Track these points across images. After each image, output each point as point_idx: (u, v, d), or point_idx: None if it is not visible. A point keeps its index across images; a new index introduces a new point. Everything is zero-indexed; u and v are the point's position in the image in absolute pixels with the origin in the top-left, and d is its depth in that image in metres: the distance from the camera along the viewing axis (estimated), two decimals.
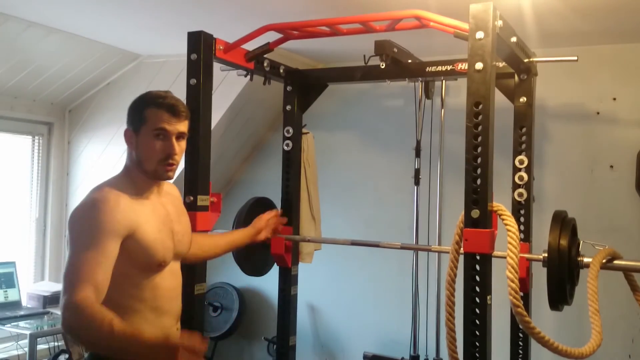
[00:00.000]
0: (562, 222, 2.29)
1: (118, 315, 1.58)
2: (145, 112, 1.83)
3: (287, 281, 3.20)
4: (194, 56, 2.54)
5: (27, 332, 3.45)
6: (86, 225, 1.66)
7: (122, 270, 1.72)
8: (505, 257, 2.02)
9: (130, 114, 1.89)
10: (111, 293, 1.66)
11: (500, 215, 2.08)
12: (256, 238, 2.75)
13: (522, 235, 2.75)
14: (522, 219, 2.78)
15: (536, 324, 2.04)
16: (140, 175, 1.88)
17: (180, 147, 1.87)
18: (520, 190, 2.77)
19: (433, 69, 2.96)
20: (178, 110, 1.85)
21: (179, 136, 1.87)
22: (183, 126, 1.87)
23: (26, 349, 3.50)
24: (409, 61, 3.03)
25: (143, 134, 1.83)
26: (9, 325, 3.53)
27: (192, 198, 2.52)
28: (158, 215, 1.86)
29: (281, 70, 3.13)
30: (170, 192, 2.03)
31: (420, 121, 3.57)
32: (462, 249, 2.05)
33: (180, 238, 1.93)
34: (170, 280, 1.87)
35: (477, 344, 1.98)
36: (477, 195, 1.99)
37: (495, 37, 2.02)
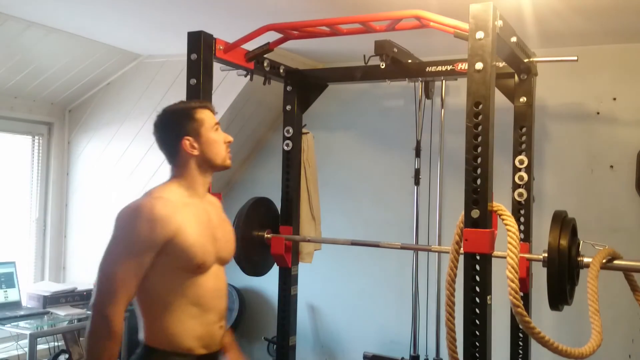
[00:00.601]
0: (562, 222, 2.29)
1: (165, 311, 1.84)
2: (197, 116, 1.97)
3: (287, 281, 3.21)
4: (194, 56, 2.55)
5: (27, 332, 3.45)
6: (131, 233, 1.81)
7: (168, 270, 1.84)
8: (505, 257, 2.02)
9: (180, 123, 1.98)
10: (159, 290, 1.85)
11: (500, 215, 2.08)
12: None
13: (522, 235, 2.76)
14: (522, 219, 2.78)
15: (536, 324, 2.04)
16: (199, 179, 1.99)
17: None
18: (520, 190, 2.77)
19: (433, 69, 2.96)
20: (212, 106, 2.05)
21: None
22: None
23: (26, 349, 3.50)
24: (409, 61, 3.03)
25: (204, 134, 1.96)
26: (9, 325, 3.53)
27: None
28: (201, 221, 1.93)
29: (281, 70, 3.13)
30: (213, 202, 2.12)
31: (420, 121, 3.57)
32: (462, 249, 2.05)
33: (222, 244, 2.00)
34: (214, 282, 1.93)
35: (477, 344, 1.98)
36: (477, 195, 1.99)
37: (495, 37, 2.02)
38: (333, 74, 3.46)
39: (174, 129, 1.99)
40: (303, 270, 3.34)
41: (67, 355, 3.88)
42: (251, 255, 3.06)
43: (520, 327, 2.25)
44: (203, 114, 1.98)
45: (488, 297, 2.00)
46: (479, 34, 1.99)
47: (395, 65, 2.93)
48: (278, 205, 3.23)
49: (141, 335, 1.95)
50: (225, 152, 2.01)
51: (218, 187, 4.27)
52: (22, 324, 3.56)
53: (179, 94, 3.82)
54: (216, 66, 2.66)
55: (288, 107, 3.25)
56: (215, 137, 1.98)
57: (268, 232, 3.13)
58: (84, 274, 4.32)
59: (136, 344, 2.01)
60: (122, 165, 4.19)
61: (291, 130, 3.21)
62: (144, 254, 1.80)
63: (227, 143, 2.02)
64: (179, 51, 3.56)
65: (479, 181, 1.99)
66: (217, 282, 1.96)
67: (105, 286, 1.78)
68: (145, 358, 1.93)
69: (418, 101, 3.55)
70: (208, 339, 1.90)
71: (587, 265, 2.24)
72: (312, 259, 3.56)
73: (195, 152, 1.97)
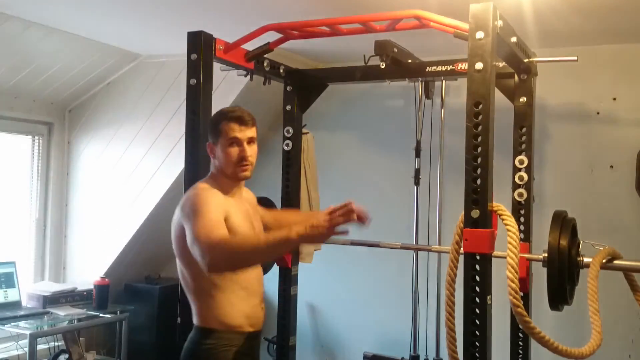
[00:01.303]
0: (562, 222, 2.29)
1: (219, 294, 2.06)
2: (220, 126, 2.17)
3: (287, 281, 3.20)
4: (194, 56, 2.54)
5: (27, 332, 3.45)
6: (198, 204, 1.99)
7: None
8: (505, 257, 2.02)
9: (209, 129, 2.25)
10: (214, 276, 2.05)
11: (500, 215, 2.08)
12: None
13: (522, 235, 2.75)
14: (522, 219, 2.78)
15: (536, 324, 2.04)
16: (224, 179, 2.20)
17: (252, 149, 2.20)
18: (520, 190, 2.77)
19: (433, 69, 2.96)
20: (244, 119, 2.18)
21: (250, 141, 2.19)
22: (251, 132, 2.20)
23: (26, 349, 3.50)
24: (409, 61, 3.03)
25: (221, 145, 2.17)
26: (9, 325, 3.53)
27: None
28: (241, 210, 2.18)
29: (281, 70, 3.13)
30: (248, 197, 2.37)
31: (420, 121, 3.57)
32: (462, 249, 2.05)
33: (258, 233, 2.23)
34: (256, 268, 2.19)
35: (477, 344, 1.98)
36: (477, 195, 1.99)
37: (495, 37, 2.02)
38: (333, 74, 3.46)
39: (209, 130, 2.25)
40: (303, 270, 3.34)
41: (67, 355, 3.88)
42: None
43: (520, 327, 2.25)
44: (226, 126, 2.16)
45: (488, 297, 2.00)
46: (479, 34, 1.99)
47: (395, 65, 2.92)
48: (278, 205, 3.23)
49: (195, 320, 2.13)
50: (236, 166, 2.17)
51: None
52: (22, 324, 3.57)
53: (179, 94, 3.86)
54: (216, 66, 2.66)
55: (288, 107, 3.25)
56: (228, 150, 2.16)
57: None
58: (84, 274, 4.32)
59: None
60: (122, 165, 4.19)
61: (291, 130, 3.21)
62: (216, 210, 2.00)
63: (242, 158, 2.16)
64: (179, 51, 3.55)
65: (479, 181, 1.99)
66: (258, 268, 2.21)
67: (204, 235, 1.88)
68: (203, 338, 2.10)
69: (418, 101, 3.55)
70: (254, 318, 2.16)
71: (587, 265, 2.24)
72: (312, 259, 3.56)
73: (214, 158, 2.23)
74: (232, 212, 2.08)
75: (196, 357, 2.10)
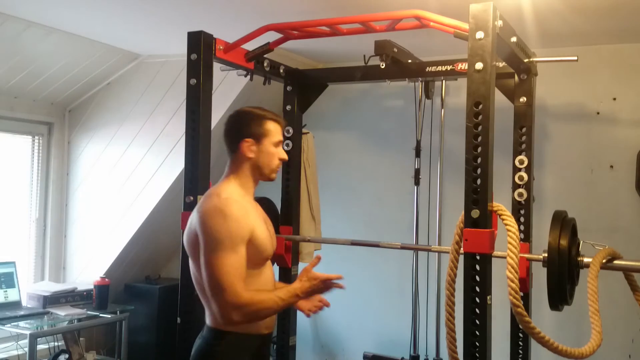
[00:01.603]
0: (562, 222, 2.29)
1: None
2: (267, 126, 2.13)
3: (287, 281, 3.20)
4: (194, 56, 2.55)
5: (27, 332, 3.45)
6: (223, 231, 1.91)
7: None
8: (505, 257, 2.02)
9: (248, 125, 2.13)
10: None
11: (500, 215, 2.07)
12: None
13: (522, 235, 2.75)
14: (522, 219, 2.78)
15: (536, 324, 2.03)
16: (250, 179, 2.14)
17: None
18: (520, 190, 2.77)
19: (433, 69, 2.95)
20: (285, 123, 2.27)
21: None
22: None
23: (26, 349, 3.50)
24: (409, 61, 3.03)
25: (265, 144, 2.12)
26: (9, 325, 3.53)
27: (192, 198, 2.53)
28: (258, 214, 2.16)
29: (281, 70, 3.13)
30: (256, 203, 2.31)
31: (420, 121, 3.57)
32: (462, 249, 2.04)
33: (274, 240, 2.21)
34: (269, 272, 2.19)
35: (477, 344, 1.98)
36: (477, 195, 1.99)
37: (495, 37, 2.02)
38: (333, 74, 3.45)
39: (241, 127, 2.14)
40: None
41: (67, 355, 3.88)
42: None
43: (520, 327, 2.25)
44: (272, 126, 2.14)
45: (488, 297, 1.99)
46: (479, 34, 1.99)
47: (395, 65, 2.92)
48: (278, 205, 3.23)
49: (209, 321, 2.08)
50: (276, 166, 2.17)
51: None
52: (22, 324, 3.57)
53: (179, 94, 3.86)
54: (216, 66, 2.66)
55: (288, 107, 3.25)
56: (273, 150, 2.14)
57: None
58: (84, 274, 4.32)
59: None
60: (122, 165, 4.19)
61: (291, 130, 3.21)
62: (240, 245, 1.94)
63: (281, 160, 2.18)
64: (179, 51, 3.57)
65: (479, 181, 1.99)
66: (271, 272, 2.22)
67: (226, 282, 1.88)
68: (218, 340, 2.06)
69: (418, 101, 3.55)
70: (269, 320, 2.14)
71: (587, 265, 2.24)
72: (312, 259, 3.55)
73: (251, 155, 2.11)
74: (255, 225, 2.03)
75: (212, 359, 2.07)
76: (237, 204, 2.00)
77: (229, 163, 2.16)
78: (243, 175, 2.13)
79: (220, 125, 3.81)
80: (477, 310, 1.98)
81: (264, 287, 2.11)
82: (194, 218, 2.00)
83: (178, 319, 2.57)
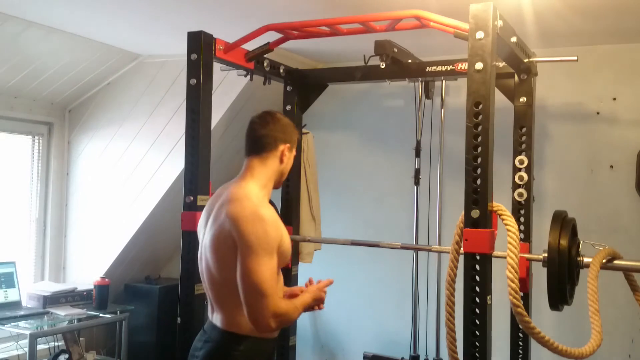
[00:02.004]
0: (562, 222, 2.29)
1: None
2: (296, 136, 2.19)
3: (287, 281, 3.20)
4: (194, 56, 2.55)
5: (27, 332, 3.45)
6: (263, 237, 1.89)
7: None
8: (505, 257, 2.02)
9: (289, 132, 2.14)
10: None
11: (500, 215, 2.08)
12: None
13: (522, 235, 2.76)
14: (522, 219, 2.78)
15: (536, 324, 2.04)
16: (271, 184, 2.13)
17: None
18: (520, 190, 2.77)
19: (433, 69, 2.96)
20: None
21: None
22: None
23: (26, 349, 3.50)
24: (409, 61, 3.03)
25: (293, 154, 2.19)
26: (9, 325, 3.53)
27: (192, 198, 2.53)
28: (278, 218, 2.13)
29: (281, 70, 3.13)
30: None
31: (420, 121, 3.56)
32: (462, 249, 2.05)
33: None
34: (281, 275, 2.15)
35: (477, 344, 1.98)
36: (477, 195, 1.99)
37: (495, 37, 2.02)
38: (333, 74, 3.46)
39: (285, 130, 2.13)
40: (303, 270, 3.34)
41: (67, 355, 3.88)
42: None
43: (520, 327, 2.25)
44: (298, 137, 2.22)
45: (488, 297, 2.00)
46: (479, 34, 1.99)
47: (395, 65, 2.93)
48: (278, 205, 3.23)
49: (224, 324, 2.01)
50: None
51: (218, 186, 4.26)
52: (22, 324, 3.56)
53: (179, 94, 3.86)
54: (216, 66, 2.67)
55: (288, 107, 3.25)
56: (292, 161, 2.19)
57: None
58: (84, 274, 4.32)
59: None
60: (122, 165, 4.19)
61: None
62: (274, 253, 1.93)
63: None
64: (179, 51, 3.56)
65: (479, 181, 1.99)
66: (282, 275, 2.15)
67: (267, 287, 1.87)
68: (235, 344, 1.99)
69: (418, 101, 3.54)
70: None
71: (587, 265, 2.24)
72: (312, 259, 3.56)
73: (285, 161, 2.13)
74: (283, 231, 2.01)
75: None
76: (270, 209, 1.97)
77: (252, 163, 2.10)
78: (266, 179, 2.09)
79: (220, 125, 3.86)
80: (477, 310, 1.98)
81: (281, 293, 2.09)
82: (227, 221, 1.91)
83: (178, 319, 2.58)
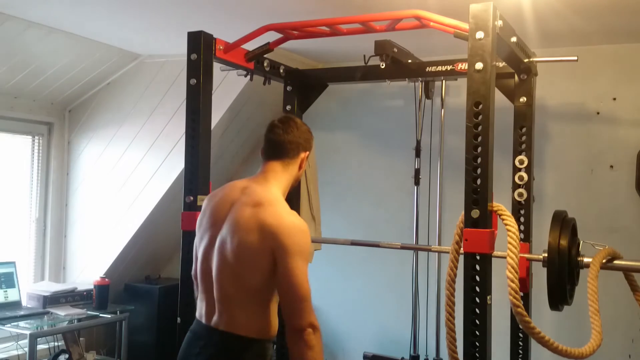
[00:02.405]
0: (562, 222, 2.29)
1: (272, 306, 2.01)
2: (312, 142, 2.20)
3: None
4: (194, 56, 2.55)
5: (27, 332, 3.45)
6: (305, 248, 1.93)
7: None
8: (505, 257, 2.02)
9: (310, 140, 2.18)
10: (272, 288, 1.96)
11: (500, 215, 2.08)
12: None
13: (522, 235, 2.76)
14: (522, 219, 2.78)
15: (536, 324, 2.04)
16: (287, 191, 2.16)
17: None
18: (520, 190, 2.77)
19: (433, 69, 2.96)
20: None
21: None
22: None
23: (26, 349, 3.50)
24: (409, 61, 3.03)
25: (304, 165, 2.18)
26: (9, 325, 3.53)
27: (192, 198, 2.53)
28: None
29: (281, 70, 3.13)
30: None
31: (420, 121, 3.56)
32: (462, 249, 2.05)
33: None
34: None
35: (477, 344, 1.98)
36: (477, 195, 1.99)
37: (495, 37, 2.02)
38: (333, 74, 3.46)
39: (308, 138, 2.17)
40: None
41: (67, 355, 3.88)
42: None
43: (520, 327, 2.25)
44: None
45: (488, 297, 2.00)
46: (479, 34, 1.99)
47: (395, 65, 2.92)
48: None
49: (231, 328, 1.97)
50: None
51: (218, 186, 4.26)
52: (22, 324, 3.56)
53: (179, 94, 3.86)
54: (216, 66, 2.66)
55: (288, 107, 3.25)
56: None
57: None
58: (84, 274, 4.32)
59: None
60: (122, 165, 4.19)
61: None
62: (308, 260, 1.96)
63: None
64: (179, 51, 3.57)
65: (479, 181, 1.99)
66: None
67: (307, 297, 1.90)
68: (239, 347, 1.98)
69: (418, 101, 3.54)
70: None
71: (587, 265, 2.24)
72: (312, 258, 3.55)
73: (302, 167, 2.16)
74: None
75: None
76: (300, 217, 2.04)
77: (274, 166, 2.11)
78: (286, 184, 2.13)
79: (220, 125, 3.86)
80: (477, 310, 1.98)
81: None
82: (266, 230, 1.90)
83: (178, 319, 2.57)
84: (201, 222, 2.11)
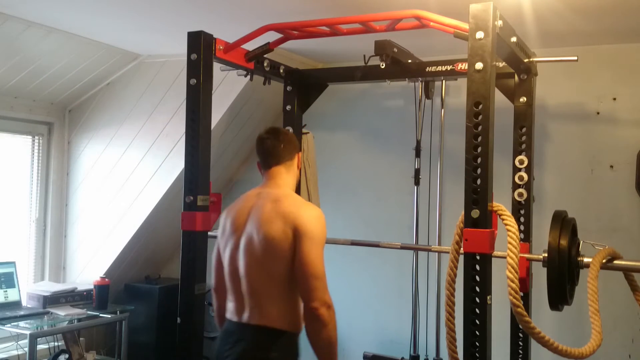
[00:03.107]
0: (562, 222, 2.29)
1: (298, 298, 2.13)
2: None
3: None
4: (194, 56, 2.55)
5: (27, 332, 3.45)
6: (321, 233, 2.11)
7: None
8: (505, 257, 2.02)
9: (297, 142, 2.42)
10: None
11: (500, 215, 2.08)
12: None
13: (522, 235, 2.76)
14: (522, 219, 2.78)
15: (536, 324, 2.04)
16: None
17: None
18: (520, 190, 2.78)
19: (433, 69, 2.96)
20: None
21: None
22: None
23: (26, 349, 3.50)
24: (409, 61, 3.03)
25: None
26: (9, 325, 3.53)
27: (192, 198, 2.53)
28: None
29: (281, 70, 3.13)
30: None
31: (420, 121, 3.57)
32: (462, 249, 2.05)
33: None
34: None
35: (477, 344, 1.98)
36: (477, 195, 1.99)
37: (495, 37, 2.02)
38: (333, 74, 3.46)
39: (295, 141, 2.38)
40: None
41: (67, 355, 3.88)
42: None
43: (520, 327, 2.25)
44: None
45: (488, 297, 2.00)
46: (479, 34, 1.99)
47: (395, 65, 2.92)
48: None
49: (263, 321, 2.11)
50: None
51: (218, 186, 4.27)
52: (22, 324, 3.56)
53: (179, 94, 3.86)
54: (216, 66, 2.66)
55: (288, 107, 3.25)
56: None
57: None
58: (84, 274, 4.32)
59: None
60: (122, 165, 4.19)
61: (291, 130, 3.21)
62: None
63: None
64: (179, 51, 3.56)
65: (479, 181, 1.99)
66: None
67: (324, 280, 2.06)
68: (271, 339, 2.11)
69: (418, 101, 3.54)
70: None
71: (587, 265, 2.24)
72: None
73: (300, 166, 2.37)
74: None
75: None
76: None
77: (277, 172, 2.28)
78: (292, 184, 2.32)
79: (220, 125, 3.86)
80: (477, 310, 1.98)
81: None
82: (291, 219, 2.07)
83: (178, 319, 2.58)
84: (223, 233, 2.26)
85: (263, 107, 4.18)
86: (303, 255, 2.03)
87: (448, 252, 2.18)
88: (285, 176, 2.27)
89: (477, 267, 2.00)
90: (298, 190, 3.26)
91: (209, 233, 2.60)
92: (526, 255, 2.53)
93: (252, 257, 2.11)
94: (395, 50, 2.87)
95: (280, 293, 2.10)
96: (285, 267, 2.06)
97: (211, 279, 2.36)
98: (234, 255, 2.17)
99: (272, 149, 2.27)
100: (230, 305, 2.21)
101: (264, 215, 2.11)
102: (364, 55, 2.93)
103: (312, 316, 2.03)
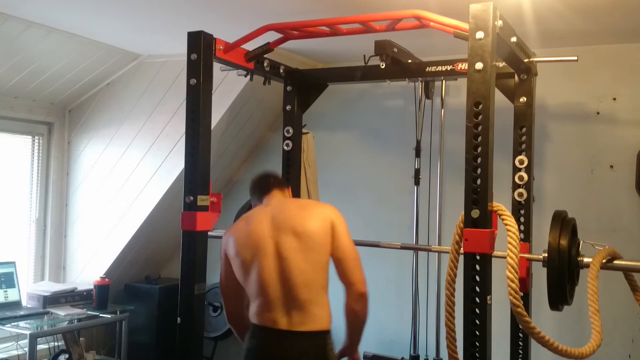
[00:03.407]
0: (562, 222, 2.29)
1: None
2: None
3: None
4: (194, 56, 2.55)
5: (27, 332, 3.45)
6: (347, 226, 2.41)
7: None
8: (505, 257, 2.02)
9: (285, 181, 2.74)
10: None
11: (500, 215, 2.08)
12: None
13: (522, 235, 2.76)
14: (522, 219, 2.78)
15: (536, 324, 2.04)
16: None
17: None
18: (520, 190, 2.78)
19: (433, 69, 2.96)
20: None
21: None
22: None
23: (26, 349, 3.50)
24: (409, 61, 3.03)
25: None
26: (9, 325, 3.53)
27: (192, 198, 2.53)
28: None
29: (281, 70, 3.13)
30: None
31: (420, 121, 3.57)
32: (462, 249, 2.05)
33: None
34: None
35: (477, 344, 1.98)
36: (477, 195, 1.99)
37: (495, 37, 2.02)
38: (333, 74, 3.46)
39: (285, 181, 2.73)
40: None
41: (67, 355, 3.88)
42: None
43: (520, 327, 2.25)
44: None
45: (488, 297, 2.00)
46: (479, 34, 1.99)
47: (395, 65, 2.92)
48: None
49: (317, 325, 2.30)
50: None
51: (218, 186, 4.27)
52: (22, 324, 3.56)
53: (179, 94, 3.86)
54: (216, 66, 2.66)
55: (288, 107, 3.25)
56: None
57: None
58: (84, 274, 4.33)
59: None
60: (122, 165, 4.19)
61: (291, 130, 3.21)
62: None
63: None
64: (179, 51, 3.56)
65: (479, 181, 1.99)
66: None
67: (361, 269, 2.36)
68: (325, 340, 2.34)
69: (418, 101, 3.55)
70: None
71: (587, 265, 2.24)
72: None
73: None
74: None
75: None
76: None
77: (276, 193, 2.48)
78: None
79: (220, 125, 3.86)
80: (477, 310, 1.98)
81: None
82: (326, 218, 2.32)
83: (178, 319, 2.57)
84: (237, 252, 2.32)
85: (263, 107, 4.18)
86: (344, 243, 2.31)
87: (448, 252, 2.18)
88: (291, 192, 2.56)
89: (477, 267, 2.00)
90: (298, 191, 3.26)
91: (209, 233, 2.60)
92: (526, 255, 2.53)
93: (291, 261, 2.24)
94: (395, 50, 2.87)
95: (324, 287, 2.31)
96: (327, 258, 2.29)
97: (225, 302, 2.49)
98: (268, 268, 2.25)
99: (265, 181, 2.49)
100: (268, 315, 2.27)
101: (296, 216, 2.29)
102: (364, 55, 2.93)
103: (359, 295, 2.31)
